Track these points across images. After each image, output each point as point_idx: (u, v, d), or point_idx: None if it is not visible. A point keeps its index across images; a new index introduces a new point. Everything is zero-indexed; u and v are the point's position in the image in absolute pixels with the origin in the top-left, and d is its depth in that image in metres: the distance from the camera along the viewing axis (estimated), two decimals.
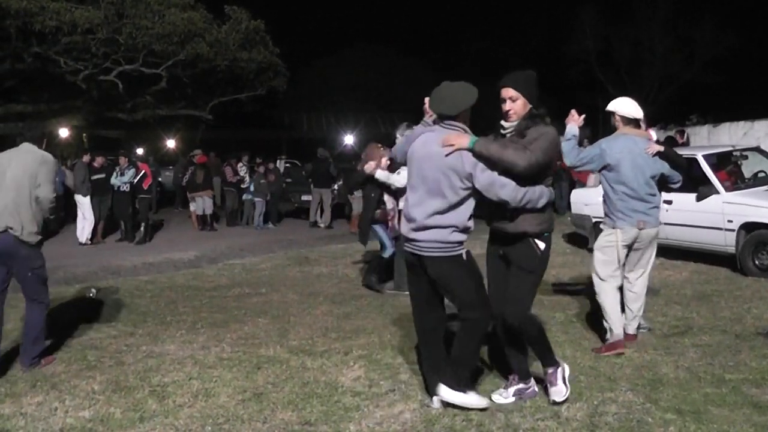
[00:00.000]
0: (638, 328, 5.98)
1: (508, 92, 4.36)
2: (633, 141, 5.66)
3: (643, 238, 5.70)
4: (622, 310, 5.80)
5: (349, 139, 29.23)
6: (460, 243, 4.29)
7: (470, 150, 4.13)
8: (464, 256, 4.31)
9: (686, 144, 14.72)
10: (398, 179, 8.11)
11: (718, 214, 9.04)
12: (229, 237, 16.02)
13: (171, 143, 28.14)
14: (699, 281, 8.44)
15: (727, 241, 8.97)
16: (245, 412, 4.50)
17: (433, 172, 4.18)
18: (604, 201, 5.85)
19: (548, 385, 4.50)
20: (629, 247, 5.74)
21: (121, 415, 4.49)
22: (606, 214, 5.84)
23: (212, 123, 25.01)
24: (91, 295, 8.54)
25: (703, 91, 30.44)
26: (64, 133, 23.96)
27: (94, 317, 7.56)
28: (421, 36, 42.50)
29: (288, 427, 4.26)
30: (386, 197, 8.43)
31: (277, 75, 23.04)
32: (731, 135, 15.42)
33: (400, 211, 8.35)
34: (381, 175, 8.18)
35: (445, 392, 4.33)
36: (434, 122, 4.40)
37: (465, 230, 4.31)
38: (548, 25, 37.10)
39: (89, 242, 14.71)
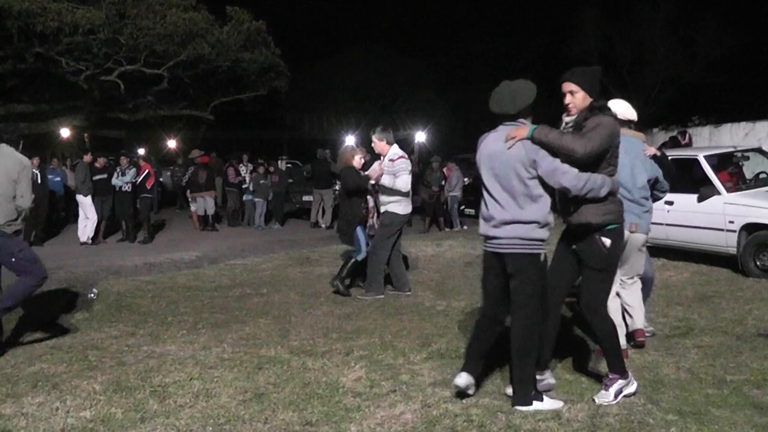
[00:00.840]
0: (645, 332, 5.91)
1: (568, 86, 4.49)
2: (630, 142, 5.53)
3: (632, 242, 5.57)
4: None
5: (350, 140, 29.25)
6: (542, 241, 4.36)
7: (529, 138, 4.26)
8: (542, 257, 4.39)
9: (689, 145, 14.68)
10: (402, 184, 8.15)
11: (720, 215, 9.04)
12: (230, 237, 16.02)
13: (172, 143, 28.13)
14: (700, 282, 8.44)
15: (728, 242, 8.97)
16: (246, 412, 4.50)
17: (502, 169, 4.33)
18: None
19: (603, 387, 4.56)
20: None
21: (122, 415, 4.49)
22: None
23: (213, 123, 25.01)
24: (92, 295, 8.54)
25: (705, 92, 30.39)
26: (65, 133, 23.96)
27: (95, 317, 7.56)
28: (423, 36, 42.57)
29: (289, 427, 4.26)
30: (368, 196, 8.54)
31: (279, 75, 23.02)
32: (733, 136, 15.40)
33: (378, 210, 8.44)
34: (386, 180, 8.18)
35: (522, 409, 4.36)
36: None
37: (546, 225, 4.36)
38: (550, 25, 37.09)
39: (90, 242, 14.72)
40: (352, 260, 8.51)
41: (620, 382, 4.52)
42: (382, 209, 8.34)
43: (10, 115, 20.27)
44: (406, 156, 8.51)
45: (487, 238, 4.49)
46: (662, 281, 8.34)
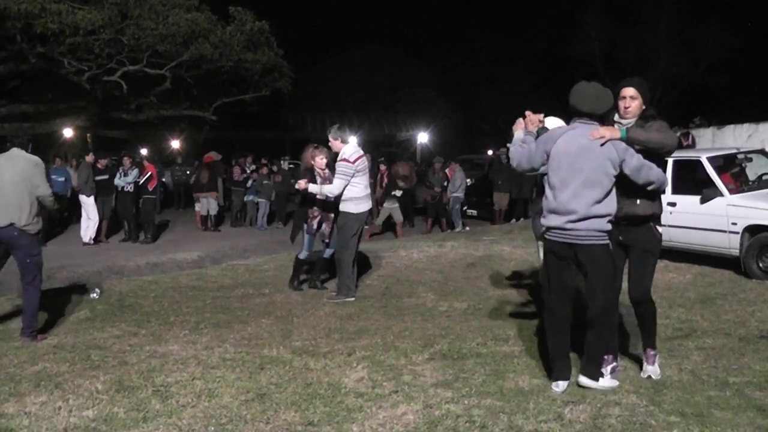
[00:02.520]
0: None
1: (629, 91, 4.85)
2: None
3: None
4: None
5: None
6: (610, 233, 4.71)
7: (622, 139, 4.62)
8: (610, 245, 4.75)
9: (692, 146, 14.68)
10: (330, 190, 8.20)
11: (722, 217, 9.02)
12: (232, 238, 16.04)
13: (175, 144, 28.15)
14: (702, 284, 8.43)
15: (731, 244, 8.95)
16: (248, 412, 4.50)
17: (589, 164, 4.62)
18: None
19: (645, 363, 5.06)
20: None
21: (125, 414, 4.50)
22: None
23: (216, 124, 25.03)
24: (94, 295, 8.54)
25: (708, 94, 30.42)
26: (68, 133, 23.99)
27: (98, 317, 7.57)
28: (426, 37, 42.58)
29: (291, 427, 4.26)
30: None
31: (282, 76, 23.06)
32: (736, 137, 15.36)
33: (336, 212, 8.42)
34: (313, 188, 8.25)
35: (586, 381, 4.73)
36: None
37: (611, 220, 4.73)
38: (553, 27, 37.07)
39: (93, 242, 14.75)
40: (320, 259, 8.88)
41: (658, 355, 5.10)
42: (340, 208, 8.31)
43: (13, 116, 20.32)
44: (362, 154, 8.41)
45: (561, 230, 4.71)
46: (665, 283, 8.32)
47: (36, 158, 6.79)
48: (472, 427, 4.18)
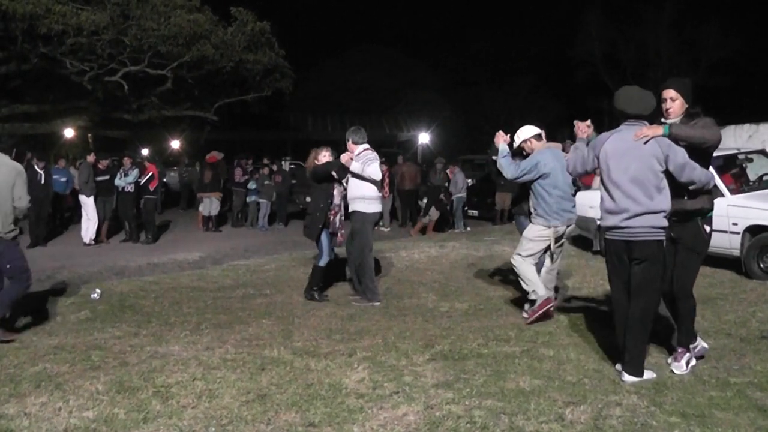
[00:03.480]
0: None
1: (669, 93, 5.08)
2: (554, 152, 6.90)
3: (568, 233, 7.03)
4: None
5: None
6: (665, 229, 4.89)
7: (665, 136, 4.82)
8: (664, 242, 4.94)
9: None
10: (373, 171, 7.98)
11: (723, 217, 9.00)
12: (233, 238, 16.04)
13: (176, 144, 28.17)
14: (703, 284, 8.40)
15: (731, 244, 8.95)
16: (249, 413, 4.50)
17: (635, 163, 4.84)
18: (539, 203, 6.83)
19: (674, 359, 5.18)
20: (556, 240, 6.87)
21: (125, 415, 4.49)
22: (540, 215, 6.83)
23: (217, 124, 25.03)
24: (95, 295, 8.55)
25: (709, 94, 30.32)
26: (69, 133, 23.99)
27: (99, 317, 7.57)
28: (427, 38, 42.57)
29: (291, 428, 4.25)
30: (336, 192, 8.25)
31: (283, 77, 23.05)
32: (736, 138, 15.34)
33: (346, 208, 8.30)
34: (356, 167, 7.99)
35: (630, 379, 4.88)
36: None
37: (667, 216, 4.89)
38: (554, 27, 37.04)
39: (93, 243, 14.75)
40: (315, 268, 8.37)
41: (688, 355, 5.15)
42: (351, 208, 8.15)
43: (15, 116, 20.33)
44: (371, 149, 8.27)
45: (617, 228, 4.93)
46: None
47: (18, 165, 6.86)
48: (473, 428, 4.17)
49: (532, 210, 6.99)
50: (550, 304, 6.76)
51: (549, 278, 7.12)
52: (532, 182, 6.85)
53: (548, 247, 6.94)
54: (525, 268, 6.86)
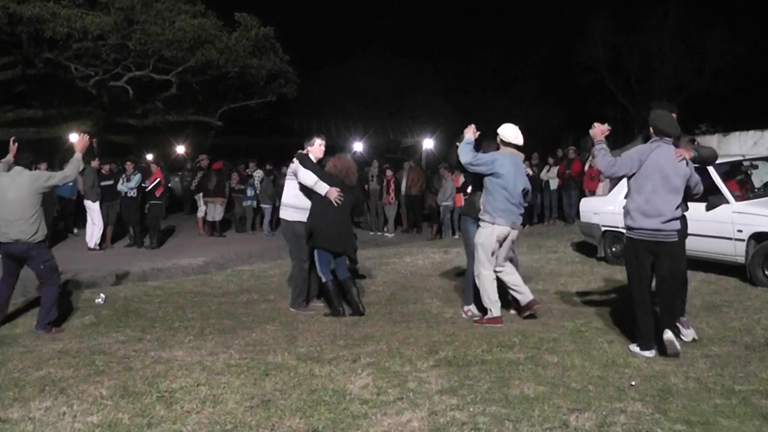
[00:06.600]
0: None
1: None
2: (515, 158, 7.20)
3: (511, 236, 7.17)
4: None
5: (358, 146, 29.23)
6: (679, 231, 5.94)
7: (693, 158, 5.95)
8: None
9: None
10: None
11: (728, 224, 9.00)
12: (237, 243, 16.06)
13: (180, 149, 28.20)
14: (708, 291, 8.40)
15: (736, 251, 8.93)
16: (253, 418, 4.50)
17: (676, 176, 5.81)
18: (487, 200, 7.07)
19: (680, 329, 6.12)
20: (500, 242, 7.09)
21: (129, 420, 4.50)
22: (487, 211, 7.08)
23: (222, 129, 25.04)
24: (99, 300, 8.56)
25: (713, 101, 30.28)
26: (74, 138, 23.99)
27: (103, 322, 7.59)
28: (432, 43, 42.47)
29: None
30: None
31: (287, 82, 23.05)
32: (741, 144, 15.33)
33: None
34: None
35: (672, 335, 5.70)
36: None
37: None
38: (558, 34, 37.01)
39: (98, 248, 14.78)
40: (323, 285, 7.95)
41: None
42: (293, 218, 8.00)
43: (20, 121, 20.37)
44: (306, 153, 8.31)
45: (653, 230, 5.78)
46: None
47: (36, 173, 7.38)
48: None
49: (480, 207, 7.18)
50: (499, 324, 6.95)
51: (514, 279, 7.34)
52: (484, 176, 7.08)
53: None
54: (488, 285, 7.09)
